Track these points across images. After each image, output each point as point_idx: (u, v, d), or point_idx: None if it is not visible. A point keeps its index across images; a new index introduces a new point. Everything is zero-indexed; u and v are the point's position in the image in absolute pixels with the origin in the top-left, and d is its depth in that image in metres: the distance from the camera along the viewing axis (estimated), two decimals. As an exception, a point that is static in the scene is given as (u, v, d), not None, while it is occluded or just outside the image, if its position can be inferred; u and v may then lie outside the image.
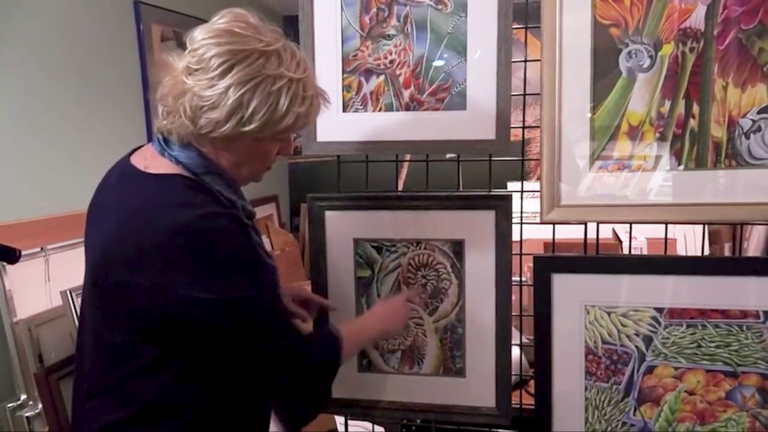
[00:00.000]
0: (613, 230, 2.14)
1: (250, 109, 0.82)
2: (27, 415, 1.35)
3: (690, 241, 2.27)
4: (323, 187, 1.26)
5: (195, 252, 0.79)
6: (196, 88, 0.81)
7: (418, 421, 1.46)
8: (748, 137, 1.03)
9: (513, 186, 2.16)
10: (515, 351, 1.31)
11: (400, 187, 2.86)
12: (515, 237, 1.20)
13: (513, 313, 1.19)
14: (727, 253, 2.11)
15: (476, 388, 1.22)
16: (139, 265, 0.79)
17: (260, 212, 2.84)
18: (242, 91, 0.81)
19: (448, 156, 1.25)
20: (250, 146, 0.87)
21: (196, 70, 0.82)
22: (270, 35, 0.85)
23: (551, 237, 1.21)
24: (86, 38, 1.74)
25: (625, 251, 1.83)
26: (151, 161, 0.87)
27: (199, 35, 0.84)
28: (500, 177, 1.24)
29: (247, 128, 0.82)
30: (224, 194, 0.87)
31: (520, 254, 1.25)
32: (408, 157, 1.33)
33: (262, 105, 0.82)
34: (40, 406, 1.35)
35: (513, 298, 1.20)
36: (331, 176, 1.28)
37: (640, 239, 2.02)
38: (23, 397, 1.38)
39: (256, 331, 0.85)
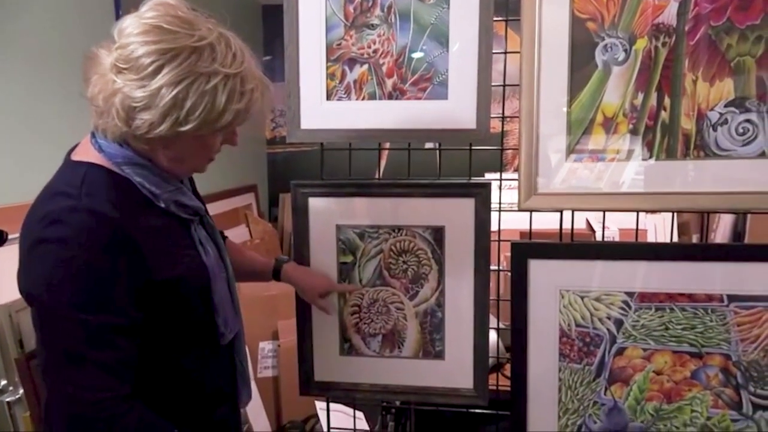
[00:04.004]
0: (587, 221, 2.20)
1: (185, 109, 0.78)
2: (8, 400, 1.35)
3: (660, 232, 2.35)
4: (302, 176, 1.27)
5: (44, 240, 0.78)
6: (126, 89, 0.78)
7: (398, 402, 1.49)
8: (715, 129, 1.08)
9: (490, 177, 2.20)
10: (492, 335, 1.35)
11: (379, 176, 2.90)
12: (495, 227, 1.23)
13: (490, 298, 1.23)
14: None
15: (455, 371, 1.25)
16: (20, 245, 0.81)
17: (238, 202, 2.84)
18: (175, 91, 0.77)
19: (428, 145, 1.28)
20: (189, 143, 0.85)
21: (125, 69, 0.78)
22: (203, 27, 0.81)
23: (527, 227, 1.25)
24: (68, 29, 1.73)
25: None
26: (81, 148, 0.88)
27: (126, 29, 0.79)
28: (478, 168, 1.27)
29: (183, 128, 0.80)
30: (146, 186, 0.85)
31: (498, 241, 1.29)
32: (388, 145, 1.35)
33: (197, 104, 0.79)
34: (21, 391, 1.35)
35: (490, 284, 1.24)
36: (310, 166, 1.30)
37: (612, 229, 2.08)
38: (3, 382, 1.37)
39: (51, 352, 0.81)
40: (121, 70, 0.78)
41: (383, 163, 2.96)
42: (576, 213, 1.19)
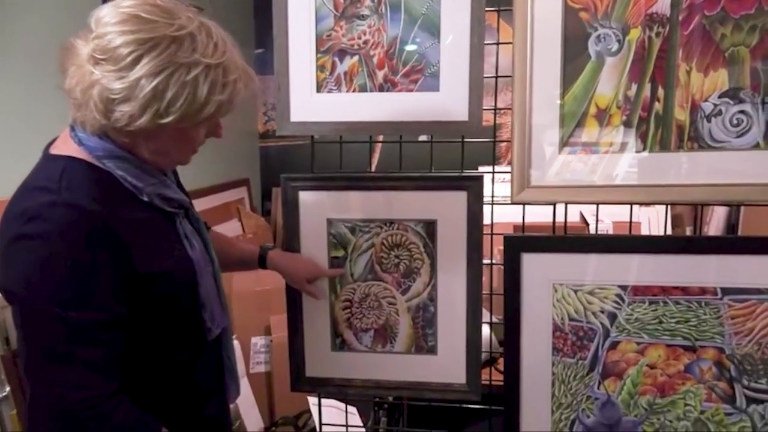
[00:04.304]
0: (581, 213, 2.19)
1: (166, 101, 0.77)
2: (-6, 398, 1.33)
3: (654, 225, 2.34)
4: (295, 170, 1.25)
5: (23, 236, 0.75)
6: (104, 80, 0.76)
7: (390, 399, 1.48)
8: (709, 120, 1.07)
9: (485, 170, 2.19)
10: (485, 329, 1.34)
11: (372, 169, 2.87)
12: (488, 220, 1.22)
13: (483, 292, 1.22)
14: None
15: (447, 366, 1.24)
16: None
17: (231, 196, 2.82)
18: (155, 82, 0.76)
19: (421, 138, 1.27)
20: (171, 136, 0.83)
21: (103, 59, 0.76)
22: (183, 16, 0.79)
23: (521, 220, 1.24)
24: (67, 29, 1.72)
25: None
26: (60, 142, 0.85)
27: (104, 18, 0.78)
28: (472, 161, 1.26)
29: (164, 120, 0.78)
30: (128, 180, 0.83)
31: (491, 234, 1.28)
32: (381, 138, 1.35)
33: (178, 96, 0.77)
34: (8, 388, 1.33)
35: (483, 278, 1.22)
36: (303, 159, 1.28)
37: (606, 222, 2.08)
38: (-10, 380, 1.36)
39: (34, 350, 0.79)
40: (99, 61, 0.77)
41: (376, 156, 2.94)
42: (570, 206, 1.17)
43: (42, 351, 0.78)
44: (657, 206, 2.26)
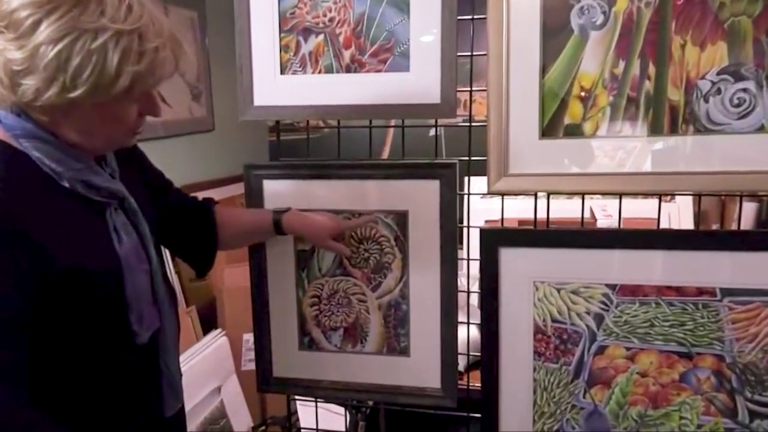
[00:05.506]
0: (590, 209, 2.06)
1: (71, 72, 0.70)
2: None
3: (674, 220, 2.18)
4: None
5: None
6: (6, 51, 0.70)
7: (371, 402, 1.40)
8: (707, 101, 0.95)
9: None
10: (471, 330, 1.25)
11: (385, 155, 2.77)
12: (484, 214, 1.13)
13: (465, 290, 1.13)
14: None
15: (421, 368, 1.15)
16: None
17: (235, 190, 2.77)
18: (56, 50, 0.69)
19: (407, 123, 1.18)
20: (92, 112, 0.75)
21: (3, 27, 0.70)
22: None
23: (525, 215, 1.14)
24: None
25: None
26: None
27: None
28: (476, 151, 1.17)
29: (73, 94, 0.71)
30: (46, 163, 0.75)
31: (468, 227, 1.18)
32: (393, 123, 1.30)
33: (84, 65, 0.70)
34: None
35: (472, 273, 1.13)
36: (314, 152, 1.21)
37: (615, 217, 1.94)
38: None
39: None
40: (1, 30, 0.70)
41: (388, 142, 2.84)
42: (580, 200, 1.07)
43: None
44: (678, 200, 2.12)
